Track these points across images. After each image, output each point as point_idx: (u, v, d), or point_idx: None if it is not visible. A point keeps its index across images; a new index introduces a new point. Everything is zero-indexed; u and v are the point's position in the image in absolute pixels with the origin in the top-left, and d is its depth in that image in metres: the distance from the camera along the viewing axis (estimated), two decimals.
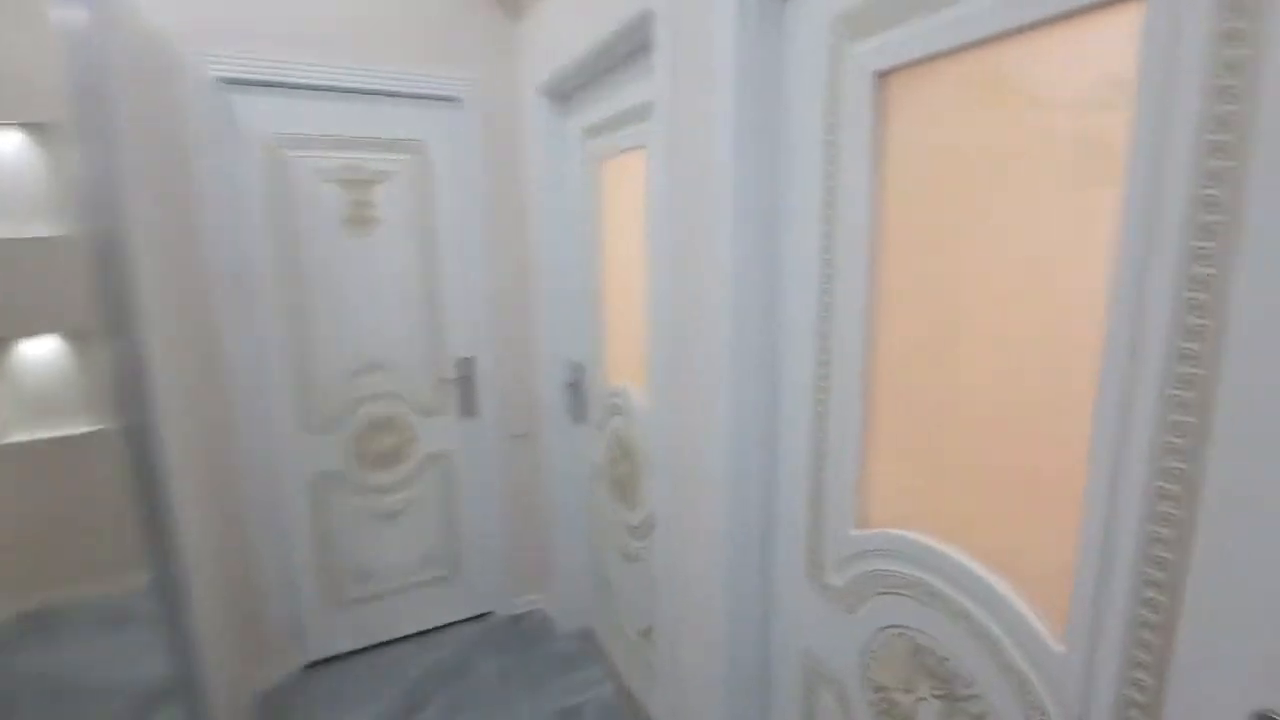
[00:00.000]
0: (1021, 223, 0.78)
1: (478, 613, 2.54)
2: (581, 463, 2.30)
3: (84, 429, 2.15)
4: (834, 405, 1.09)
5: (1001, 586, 0.85)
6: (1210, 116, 0.58)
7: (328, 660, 2.32)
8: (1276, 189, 0.55)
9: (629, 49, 1.56)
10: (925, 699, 0.97)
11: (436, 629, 2.48)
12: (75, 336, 2.18)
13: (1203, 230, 0.60)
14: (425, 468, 2.37)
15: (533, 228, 2.24)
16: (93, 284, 1.42)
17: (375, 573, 2.37)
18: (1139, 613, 0.69)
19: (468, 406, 2.36)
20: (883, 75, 0.92)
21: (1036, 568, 0.82)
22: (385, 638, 2.40)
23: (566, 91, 2.00)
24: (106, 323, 1.45)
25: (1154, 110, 0.62)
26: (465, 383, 2.34)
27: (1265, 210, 0.55)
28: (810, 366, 1.13)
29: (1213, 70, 0.58)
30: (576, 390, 2.23)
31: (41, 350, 2.17)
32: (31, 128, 2.01)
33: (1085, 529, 0.73)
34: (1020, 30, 0.74)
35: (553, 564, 2.48)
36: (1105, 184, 0.68)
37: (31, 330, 2.13)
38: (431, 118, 2.16)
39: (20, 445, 2.09)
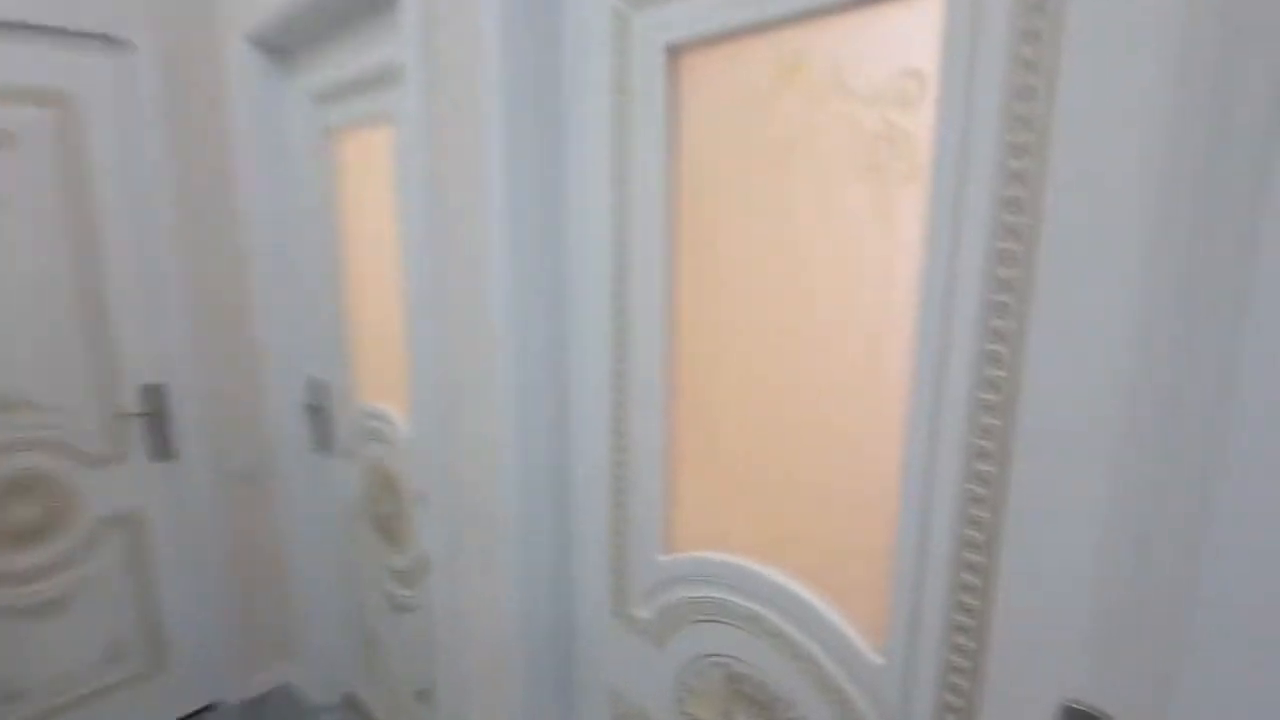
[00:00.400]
0: (829, 221, 0.73)
1: (197, 708, 2.00)
2: (332, 501, 1.92)
3: None
4: (634, 420, 0.98)
5: (818, 602, 0.81)
6: (1012, 115, 0.57)
7: None
8: (1076, 189, 0.54)
9: None
10: None
11: None
12: None
13: (1007, 231, 0.59)
14: (99, 536, 1.78)
15: (249, 215, 1.80)
16: None
17: (30, 689, 1.71)
18: (954, 618, 0.68)
19: (162, 447, 1.82)
20: (675, 51, 0.83)
21: (853, 580, 0.79)
22: None
23: (287, 45, 1.62)
24: None
25: (955, 107, 0.60)
26: (156, 417, 1.80)
27: (1065, 211, 0.55)
28: (605, 380, 1.01)
29: (1013, 68, 0.56)
30: (320, 414, 1.85)
31: None
32: None
33: (899, 537, 0.71)
34: (819, 12, 0.69)
35: (300, 627, 2.04)
36: (910, 181, 0.65)
37: None
38: (83, 64, 1.60)
39: None
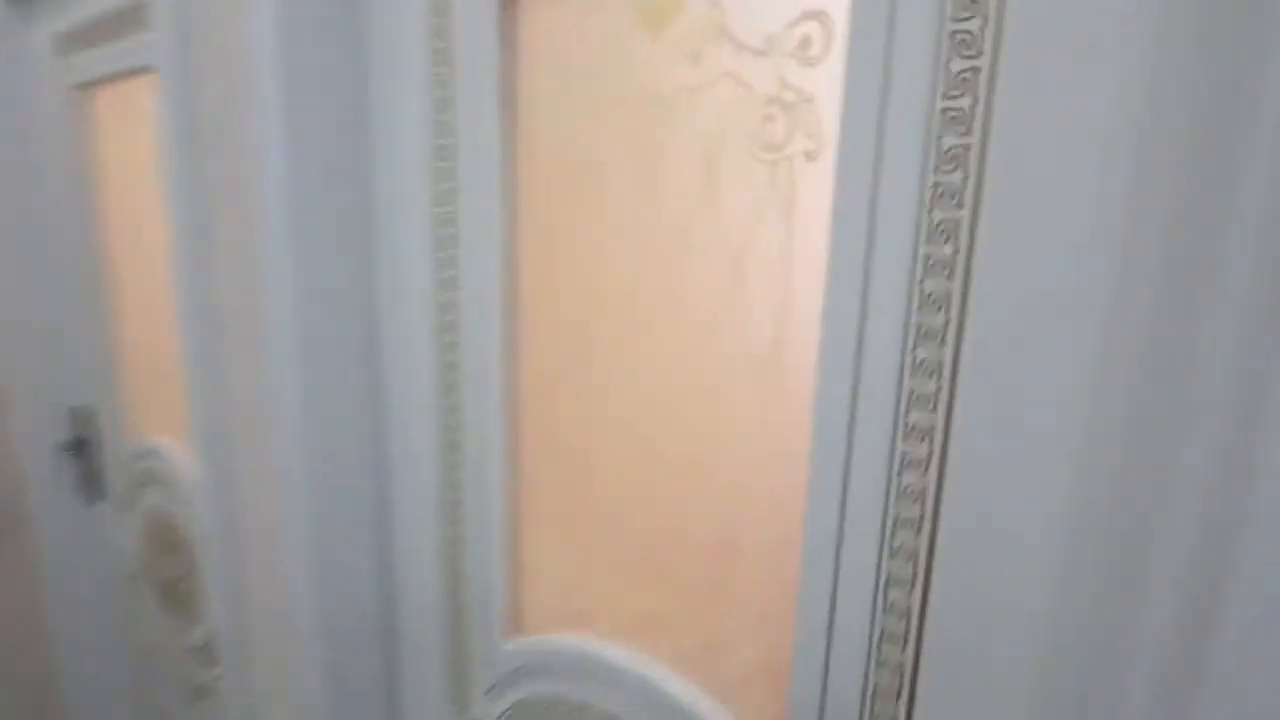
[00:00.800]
0: (712, 212, 0.56)
1: None
2: (107, 563, 1.52)
3: None
4: (467, 459, 0.76)
5: (698, 702, 0.64)
6: (948, 73, 0.42)
7: None
8: (1028, 176, 0.40)
9: None
10: None
11: None
12: None
13: (938, 232, 0.44)
14: None
15: None
16: None
17: None
18: None
19: None
20: None
21: (744, 670, 0.62)
22: None
23: None
24: None
25: (871, 62, 0.45)
26: None
27: (1014, 205, 0.41)
28: (429, 406, 0.78)
29: (949, 11, 0.41)
30: (85, 452, 1.46)
31: None
32: None
33: (801, 616, 0.55)
34: None
35: None
36: (815, 160, 0.50)
37: None
38: None
39: None
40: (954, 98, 0.42)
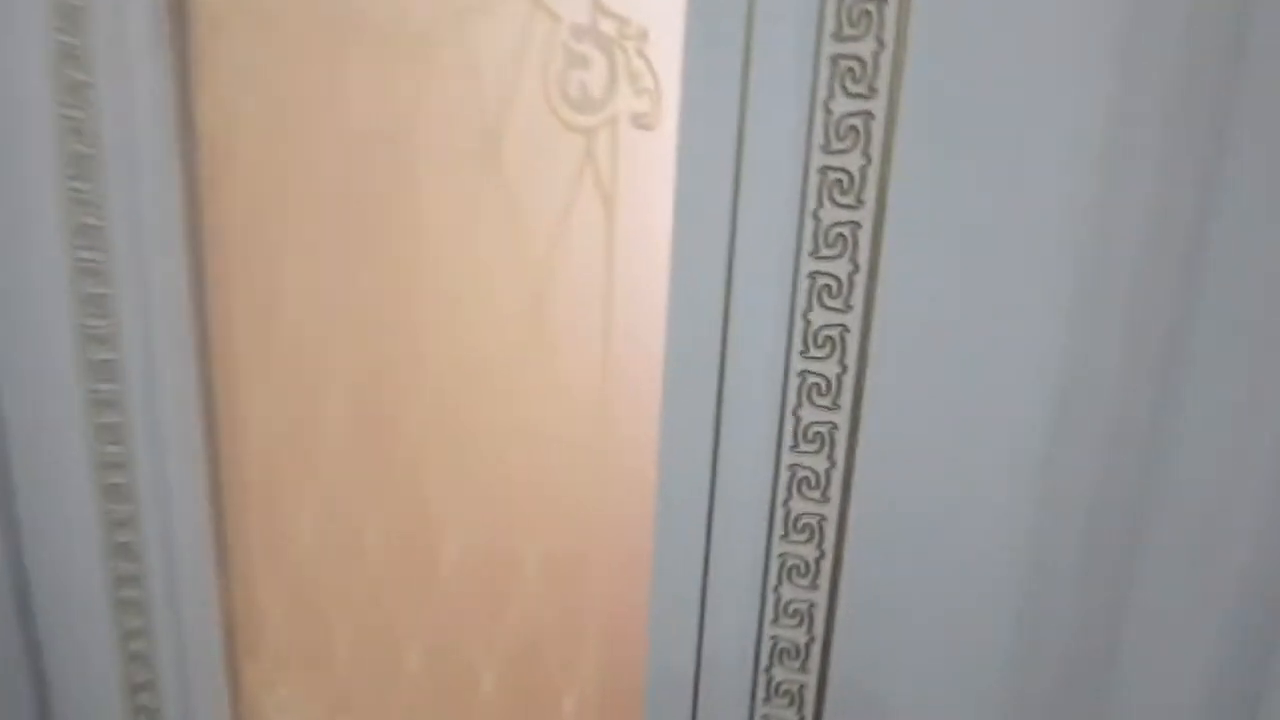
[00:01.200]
0: (494, 204, 0.38)
1: None
2: None
3: None
4: (153, 576, 0.50)
5: None
6: (839, 3, 0.28)
7: None
8: (941, 147, 0.27)
9: None
10: None
11: None
12: None
13: (830, 236, 0.30)
14: None
15: None
16: None
17: None
18: None
19: None
20: None
21: None
22: None
23: None
24: None
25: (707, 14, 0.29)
26: None
27: (925, 193, 0.28)
28: (92, 526, 0.51)
29: None
30: None
31: None
32: None
33: None
34: None
35: None
36: (648, 128, 0.33)
37: None
38: None
39: None
40: (850, 39, 0.28)
